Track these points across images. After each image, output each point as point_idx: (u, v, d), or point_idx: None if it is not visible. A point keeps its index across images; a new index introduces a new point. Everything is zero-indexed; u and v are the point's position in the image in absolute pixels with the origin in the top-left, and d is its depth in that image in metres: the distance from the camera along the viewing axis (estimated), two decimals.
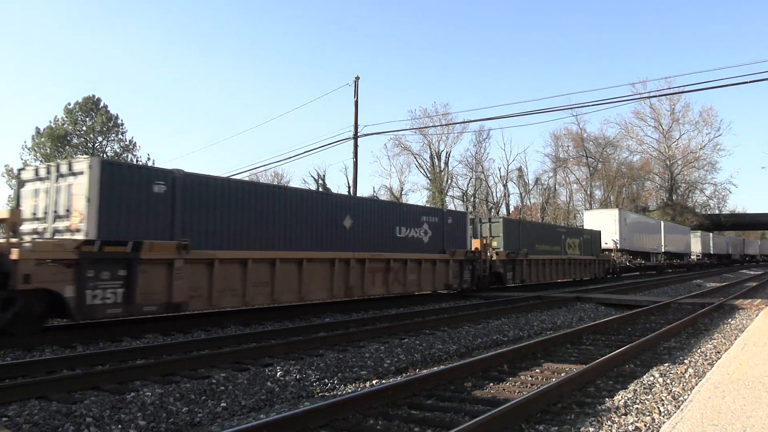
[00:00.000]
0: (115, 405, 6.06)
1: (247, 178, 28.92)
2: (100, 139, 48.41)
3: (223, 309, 13.14)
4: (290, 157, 47.83)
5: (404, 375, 8.38)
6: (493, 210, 62.63)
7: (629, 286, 25.19)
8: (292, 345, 9.41)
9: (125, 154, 48.92)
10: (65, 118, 47.26)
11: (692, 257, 55.60)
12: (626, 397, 6.34)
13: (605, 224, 36.67)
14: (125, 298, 10.34)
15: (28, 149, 45.49)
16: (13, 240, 9.48)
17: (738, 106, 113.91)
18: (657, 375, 7.54)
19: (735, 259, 72.03)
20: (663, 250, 46.11)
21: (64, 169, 10.86)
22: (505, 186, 66.46)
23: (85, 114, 48.00)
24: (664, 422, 5.21)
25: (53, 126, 46.37)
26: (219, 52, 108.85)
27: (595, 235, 32.72)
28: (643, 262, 41.45)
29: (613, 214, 38.48)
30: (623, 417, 5.64)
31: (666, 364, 8.36)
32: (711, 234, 62.99)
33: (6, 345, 9.02)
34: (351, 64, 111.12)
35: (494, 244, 22.44)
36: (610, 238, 36.25)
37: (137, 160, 48.53)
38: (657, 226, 46.67)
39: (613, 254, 35.21)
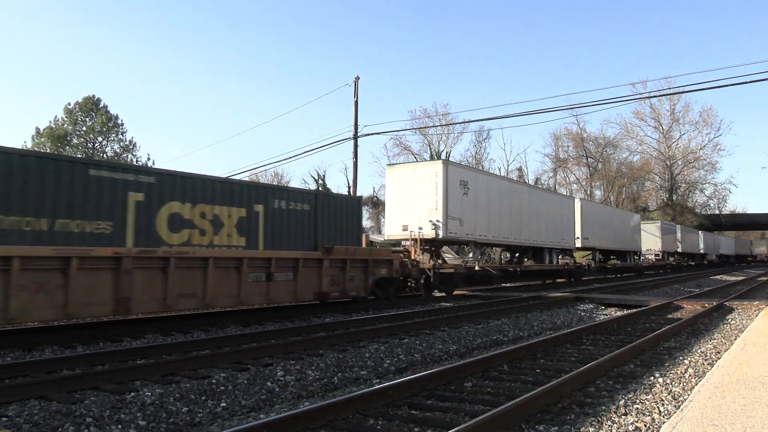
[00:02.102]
0: (115, 405, 6.06)
1: (247, 179, 28.83)
2: (100, 139, 48.42)
3: None
4: (290, 157, 47.80)
5: (404, 375, 8.37)
6: None
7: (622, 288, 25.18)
8: (292, 345, 9.41)
9: (125, 154, 48.93)
10: (65, 118, 47.28)
11: (647, 256, 43.03)
12: (626, 397, 6.34)
13: (422, 191, 19.67)
14: None
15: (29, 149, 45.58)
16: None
17: (738, 106, 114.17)
18: (657, 375, 7.54)
19: (711, 260, 62.37)
20: (580, 245, 30.45)
21: None
22: None
23: (85, 114, 48.01)
24: (664, 422, 5.21)
25: (53, 126, 46.39)
26: (219, 52, 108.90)
27: (344, 205, 15.76)
28: (532, 262, 26.22)
29: (435, 170, 19.73)
30: (623, 417, 5.63)
31: (666, 364, 8.36)
32: (678, 227, 49.85)
33: (6, 345, 9.04)
34: (351, 64, 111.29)
35: None
36: (426, 219, 19.38)
37: (137, 161, 48.52)
38: (564, 204, 29.13)
39: (412, 250, 18.95)
